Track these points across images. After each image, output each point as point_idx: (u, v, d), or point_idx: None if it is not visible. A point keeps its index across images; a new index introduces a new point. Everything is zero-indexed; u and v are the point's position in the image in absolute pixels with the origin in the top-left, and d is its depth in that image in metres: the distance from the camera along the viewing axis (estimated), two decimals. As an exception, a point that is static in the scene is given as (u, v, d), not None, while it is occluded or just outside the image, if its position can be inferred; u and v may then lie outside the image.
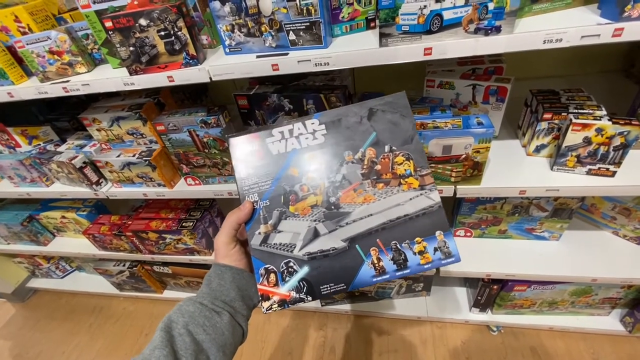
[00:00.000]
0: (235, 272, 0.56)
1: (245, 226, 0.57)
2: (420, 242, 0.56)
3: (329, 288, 0.55)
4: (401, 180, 0.58)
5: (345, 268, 0.55)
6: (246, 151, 0.59)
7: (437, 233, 0.56)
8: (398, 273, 0.55)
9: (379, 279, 0.55)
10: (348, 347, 1.56)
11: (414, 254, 0.56)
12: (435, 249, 0.56)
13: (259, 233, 0.57)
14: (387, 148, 0.58)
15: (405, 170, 0.58)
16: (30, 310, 2.10)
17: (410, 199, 0.57)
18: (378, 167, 0.58)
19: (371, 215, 0.57)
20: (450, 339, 1.51)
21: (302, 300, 0.55)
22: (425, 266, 0.55)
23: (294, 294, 0.55)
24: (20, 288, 2.11)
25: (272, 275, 0.55)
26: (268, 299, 0.55)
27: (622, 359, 1.34)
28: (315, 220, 0.57)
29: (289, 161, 0.58)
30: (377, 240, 0.56)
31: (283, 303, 0.55)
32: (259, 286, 0.55)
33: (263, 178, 0.58)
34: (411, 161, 0.58)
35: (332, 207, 0.57)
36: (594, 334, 1.42)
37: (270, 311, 0.54)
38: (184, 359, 0.47)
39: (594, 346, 1.39)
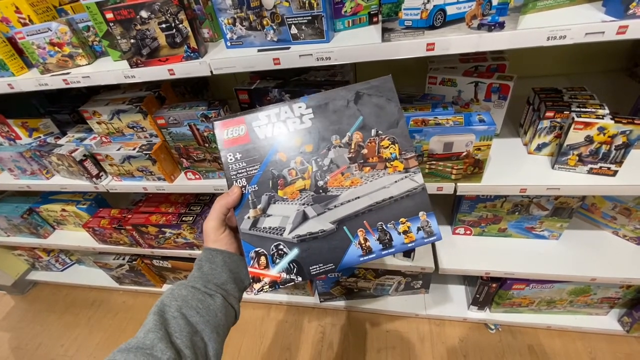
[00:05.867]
0: (226, 255, 0.56)
1: (234, 211, 0.58)
2: (404, 223, 0.58)
3: (318, 268, 0.57)
4: (387, 163, 0.59)
5: (334, 249, 0.57)
6: (232, 135, 0.58)
7: (421, 213, 0.58)
8: (384, 252, 0.57)
9: (365, 258, 0.57)
10: (346, 343, 1.57)
11: (399, 233, 0.58)
12: (419, 229, 0.58)
13: (248, 217, 0.57)
14: (373, 132, 0.59)
15: (391, 153, 0.59)
16: (29, 302, 2.10)
17: (396, 181, 0.59)
18: (365, 151, 0.59)
19: (358, 197, 0.58)
20: (448, 336, 1.51)
21: (292, 280, 0.56)
22: (409, 245, 0.57)
23: (284, 275, 0.56)
24: (20, 280, 2.12)
25: (263, 258, 0.56)
26: (259, 280, 0.56)
27: (620, 358, 1.35)
28: (304, 204, 0.58)
29: (277, 145, 0.58)
30: (364, 221, 0.58)
31: (274, 284, 0.56)
32: (249, 269, 0.56)
33: (251, 163, 0.58)
34: (396, 145, 0.59)
35: (321, 191, 0.59)
36: (591, 333, 1.42)
37: (261, 292, 0.56)
38: (179, 341, 0.47)
39: (591, 345, 1.39)
